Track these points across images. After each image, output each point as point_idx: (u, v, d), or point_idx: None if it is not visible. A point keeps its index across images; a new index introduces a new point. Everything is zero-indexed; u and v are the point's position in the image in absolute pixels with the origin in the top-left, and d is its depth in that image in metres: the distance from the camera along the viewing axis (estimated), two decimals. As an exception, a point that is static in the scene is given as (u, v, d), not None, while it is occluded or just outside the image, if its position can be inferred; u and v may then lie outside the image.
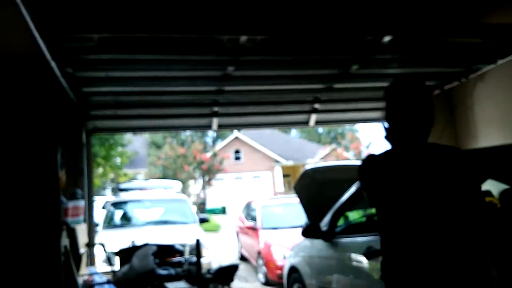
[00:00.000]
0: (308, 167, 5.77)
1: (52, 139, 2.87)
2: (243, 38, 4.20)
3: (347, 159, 24.77)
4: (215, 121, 6.58)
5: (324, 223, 4.23)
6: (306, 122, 7.06)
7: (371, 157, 1.99)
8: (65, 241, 3.40)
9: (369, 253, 3.40)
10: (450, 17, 4.52)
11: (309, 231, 4.31)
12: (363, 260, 3.51)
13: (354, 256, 3.70)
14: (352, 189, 4.06)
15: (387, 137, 1.98)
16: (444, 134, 6.17)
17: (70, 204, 3.95)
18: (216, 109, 6.30)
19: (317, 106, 6.64)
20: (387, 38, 4.55)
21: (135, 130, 7.74)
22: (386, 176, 1.88)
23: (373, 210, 4.55)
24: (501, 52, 5.45)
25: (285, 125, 7.74)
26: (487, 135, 5.92)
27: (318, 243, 4.38)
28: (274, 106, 6.50)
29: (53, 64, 3.82)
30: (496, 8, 4.55)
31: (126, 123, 6.64)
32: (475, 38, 4.98)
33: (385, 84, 6.06)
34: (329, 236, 4.13)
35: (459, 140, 6.44)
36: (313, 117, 6.91)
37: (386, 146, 2.01)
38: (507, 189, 3.33)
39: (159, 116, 6.36)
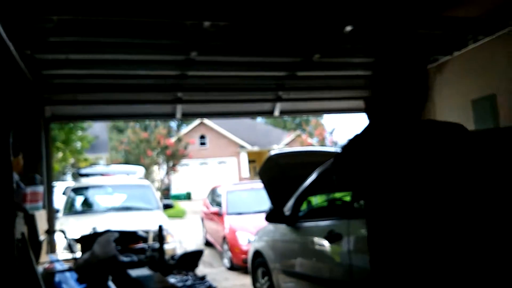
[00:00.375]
0: (272, 152, 5.82)
1: (3, 122, 2.75)
2: (206, 24, 4.19)
3: (311, 145, 25.12)
4: (179, 109, 6.48)
5: (288, 208, 4.29)
6: (271, 112, 7.06)
7: (358, 138, 1.70)
8: (22, 228, 3.30)
9: (331, 237, 3.48)
10: (413, 10, 4.61)
11: (273, 216, 4.36)
12: (325, 244, 3.59)
13: (316, 239, 3.78)
14: (315, 174, 4.13)
15: (372, 113, 1.72)
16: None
17: (29, 190, 3.83)
18: (179, 95, 6.21)
19: (281, 94, 6.66)
20: (348, 28, 4.61)
21: (95, 118, 7.39)
22: (378, 159, 1.63)
23: (336, 195, 4.66)
24: (457, 44, 5.64)
25: (250, 115, 7.66)
26: (450, 119, 6.12)
27: (282, 227, 4.44)
28: (239, 93, 6.47)
29: (9, 44, 3.65)
30: (459, 3, 4.69)
31: (87, 110, 6.40)
32: (436, 30, 5.12)
33: (348, 73, 6.20)
34: (292, 221, 4.19)
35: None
36: (278, 106, 6.92)
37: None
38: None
39: (121, 101, 6.20)
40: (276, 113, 7.02)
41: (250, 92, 6.57)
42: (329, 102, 7.33)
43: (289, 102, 7.03)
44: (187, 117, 7.07)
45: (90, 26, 4.17)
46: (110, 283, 2.78)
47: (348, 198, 4.12)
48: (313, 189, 4.40)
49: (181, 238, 9.78)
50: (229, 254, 8.18)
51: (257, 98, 6.81)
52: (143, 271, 3.24)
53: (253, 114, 8.01)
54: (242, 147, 30.52)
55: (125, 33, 4.34)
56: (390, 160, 1.62)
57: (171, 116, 6.80)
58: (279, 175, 4.99)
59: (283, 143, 30.14)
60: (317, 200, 5.38)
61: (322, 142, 25.39)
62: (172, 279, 3.37)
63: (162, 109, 6.72)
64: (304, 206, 4.45)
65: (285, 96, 6.73)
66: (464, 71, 5.84)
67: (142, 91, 6.06)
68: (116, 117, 7.06)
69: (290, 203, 4.29)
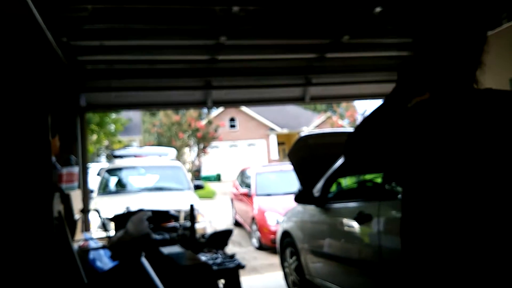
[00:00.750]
0: (302, 134, 5.79)
1: (42, 104, 2.84)
2: (235, 8, 4.18)
3: (342, 127, 24.85)
4: (209, 96, 6.49)
5: (317, 189, 4.28)
6: (302, 98, 6.95)
7: (383, 111, 1.44)
8: (58, 207, 3.43)
9: (360, 218, 3.46)
10: None
11: (302, 197, 4.37)
12: (355, 225, 3.57)
13: (345, 221, 3.77)
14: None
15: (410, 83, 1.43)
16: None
17: (64, 170, 3.95)
18: (210, 80, 6.24)
19: (311, 77, 6.56)
20: (377, 9, 4.52)
21: (129, 107, 7.40)
22: (423, 134, 1.39)
23: (366, 177, 4.60)
24: (491, 24, 5.46)
25: (281, 102, 7.46)
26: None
27: (311, 208, 4.45)
28: (268, 77, 6.43)
29: (47, 32, 3.80)
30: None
31: (120, 99, 6.45)
32: (468, 9, 4.96)
33: (379, 54, 6.06)
34: (322, 202, 4.19)
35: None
36: (309, 92, 6.82)
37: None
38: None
39: (153, 88, 6.26)
40: (307, 99, 6.92)
41: (279, 76, 6.51)
42: (361, 86, 7.14)
43: (319, 87, 6.91)
44: (218, 105, 6.99)
45: (122, 13, 4.29)
46: (143, 260, 2.85)
47: (378, 180, 4.08)
48: (343, 171, 4.37)
49: (211, 218, 9.94)
50: (258, 234, 8.28)
51: (287, 83, 6.72)
52: (175, 249, 3.30)
53: (283, 101, 7.75)
54: (271, 129, 30.51)
55: (155, 19, 4.44)
56: (439, 134, 1.38)
57: (203, 104, 6.79)
58: (308, 156, 4.97)
59: (313, 125, 29.92)
60: (346, 181, 5.35)
61: (353, 124, 25.05)
62: (202, 257, 3.44)
63: (193, 96, 6.72)
64: (333, 188, 4.44)
65: (315, 80, 6.63)
66: (500, 49, 5.64)
67: (173, 76, 6.12)
68: (149, 106, 7.02)
69: (319, 185, 4.28)
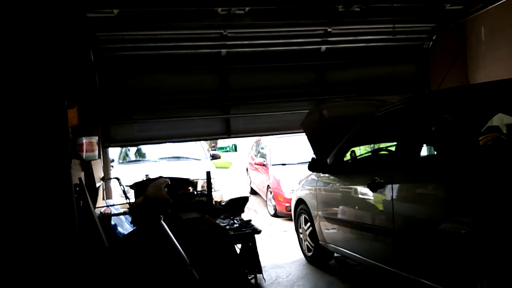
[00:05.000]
0: (316, 104, 5.80)
1: (59, 77, 2.92)
2: (234, 9, 5.03)
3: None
4: (229, 126, 6.53)
5: (330, 158, 4.33)
6: None
7: None
8: (79, 174, 3.55)
9: (374, 185, 3.51)
10: None
11: (316, 165, 4.42)
12: (368, 192, 3.63)
13: (359, 188, 3.83)
14: (359, 124, 4.11)
15: None
16: (455, 65, 6.13)
17: (84, 140, 4.07)
18: (227, 108, 6.48)
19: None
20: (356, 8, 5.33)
21: (151, 140, 7.10)
22: None
23: (380, 145, 4.61)
24: None
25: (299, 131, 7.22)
26: (497, 69, 5.86)
27: (324, 176, 4.51)
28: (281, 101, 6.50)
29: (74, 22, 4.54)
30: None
31: (141, 134, 6.40)
32: None
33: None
34: (335, 170, 4.25)
35: (469, 72, 6.44)
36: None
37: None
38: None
39: (174, 119, 6.33)
40: None
41: (291, 100, 6.55)
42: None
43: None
44: (237, 135, 6.82)
45: (142, 15, 5.19)
46: (163, 224, 2.97)
47: (392, 148, 4.10)
48: (357, 139, 4.40)
49: (227, 186, 10.11)
50: (273, 202, 8.42)
51: (304, 108, 6.54)
52: (193, 214, 3.44)
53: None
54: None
55: (169, 18, 5.24)
56: None
57: (222, 134, 6.74)
58: (322, 125, 5.00)
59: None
60: (360, 150, 5.38)
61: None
62: (220, 223, 3.56)
63: (214, 128, 6.62)
64: (347, 156, 4.48)
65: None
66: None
67: (193, 107, 6.37)
68: (170, 139, 6.74)
69: (333, 153, 4.32)
